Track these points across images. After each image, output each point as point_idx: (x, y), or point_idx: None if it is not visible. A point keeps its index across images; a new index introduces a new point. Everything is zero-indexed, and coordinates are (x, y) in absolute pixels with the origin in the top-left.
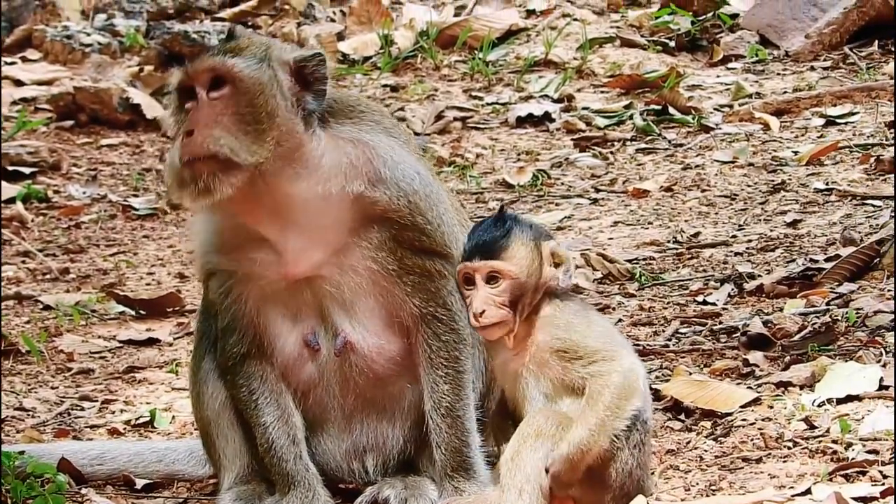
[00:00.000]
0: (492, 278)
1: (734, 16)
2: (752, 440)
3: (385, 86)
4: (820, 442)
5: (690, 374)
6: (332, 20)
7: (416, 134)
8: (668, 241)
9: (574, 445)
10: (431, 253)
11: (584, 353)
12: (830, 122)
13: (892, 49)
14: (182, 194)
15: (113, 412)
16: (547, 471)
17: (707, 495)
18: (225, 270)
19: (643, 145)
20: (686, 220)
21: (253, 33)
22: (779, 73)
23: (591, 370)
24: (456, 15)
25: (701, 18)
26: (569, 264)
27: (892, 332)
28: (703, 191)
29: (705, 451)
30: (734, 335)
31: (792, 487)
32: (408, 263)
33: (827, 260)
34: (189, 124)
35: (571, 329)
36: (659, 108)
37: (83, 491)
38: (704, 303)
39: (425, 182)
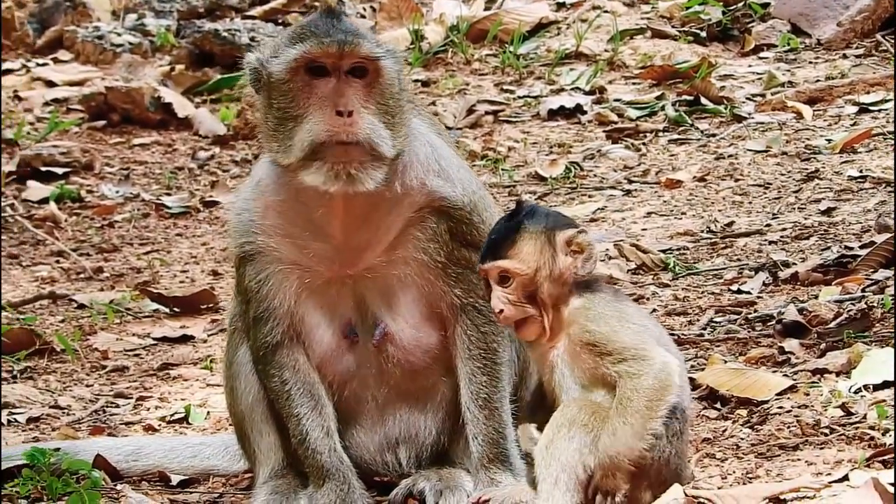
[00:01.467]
0: (503, 278)
1: (765, 5)
2: (788, 427)
3: (416, 81)
4: (857, 428)
5: (726, 362)
6: (363, 16)
7: (448, 128)
8: (702, 231)
9: (602, 452)
10: (478, 246)
11: (613, 348)
12: (863, 109)
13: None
14: (321, 175)
15: (148, 409)
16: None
17: (744, 483)
18: (265, 256)
19: (676, 136)
20: (720, 210)
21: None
22: (811, 62)
23: (620, 369)
24: (486, 9)
25: (732, 8)
26: (590, 251)
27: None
28: (737, 180)
29: (741, 439)
30: (769, 323)
31: (829, 474)
32: (456, 255)
33: (862, 247)
34: (345, 103)
35: (602, 322)
36: (691, 98)
37: (118, 487)
38: (739, 291)
39: (478, 182)
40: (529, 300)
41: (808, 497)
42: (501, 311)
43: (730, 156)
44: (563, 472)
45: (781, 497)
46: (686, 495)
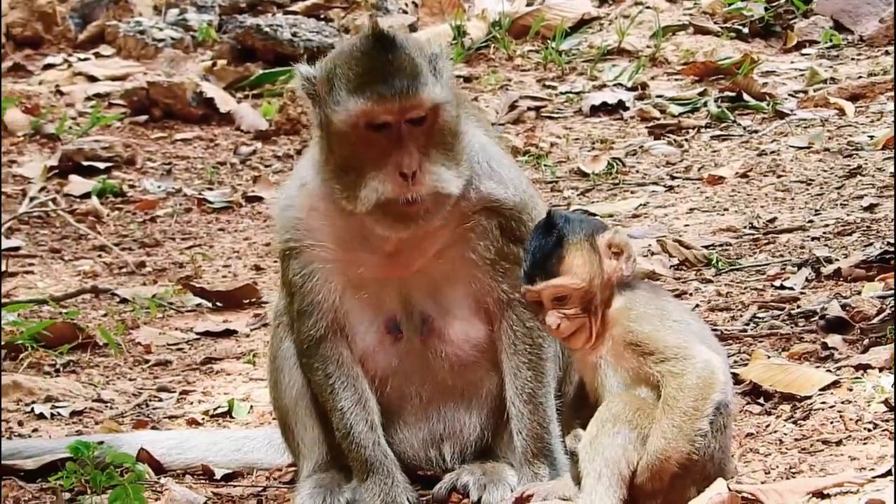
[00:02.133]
0: (557, 296)
1: (808, 1)
2: (831, 423)
3: (458, 76)
4: None
5: (769, 357)
6: (405, 12)
7: (491, 124)
8: (745, 227)
9: (652, 455)
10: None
11: (656, 348)
12: None
13: None
14: (396, 229)
15: (191, 403)
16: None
17: (787, 478)
18: (309, 252)
19: (718, 132)
20: (762, 206)
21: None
22: (853, 58)
23: (663, 368)
24: (528, 5)
25: (774, 4)
26: (629, 250)
27: None
28: (779, 176)
29: (785, 434)
30: (812, 319)
31: (872, 469)
32: (505, 251)
33: None
34: (409, 164)
35: (644, 321)
36: (733, 94)
37: (162, 480)
38: (782, 287)
39: (526, 179)
40: (584, 309)
41: (851, 492)
42: (559, 325)
43: (772, 152)
44: (606, 468)
45: (825, 492)
46: (730, 490)
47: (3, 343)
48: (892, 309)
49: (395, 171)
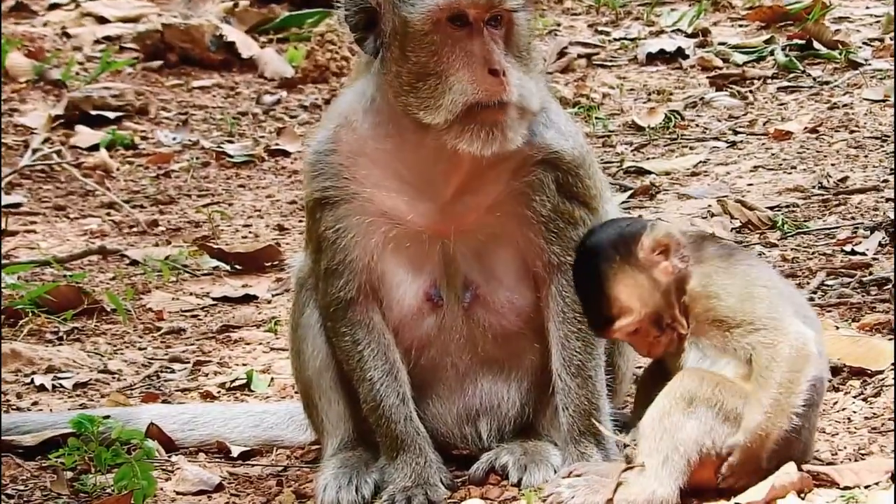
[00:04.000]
0: (629, 330)
1: None
2: None
3: None
4: None
5: (838, 328)
6: None
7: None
8: (813, 187)
9: (751, 432)
10: (582, 202)
11: (743, 319)
12: None
13: None
14: (476, 141)
15: (206, 374)
16: (722, 462)
17: (856, 460)
18: (348, 203)
19: (785, 83)
20: (833, 164)
21: None
22: None
23: (753, 340)
24: None
25: None
26: (673, 241)
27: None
28: (852, 132)
29: (854, 412)
30: (885, 287)
31: None
32: (560, 209)
33: None
34: (498, 61)
35: (726, 295)
36: (803, 42)
37: (173, 458)
38: (853, 252)
39: (582, 133)
40: (659, 325)
41: None
42: (648, 353)
43: (844, 105)
44: (675, 451)
45: None
46: (801, 471)
47: (1, 308)
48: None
49: (483, 68)
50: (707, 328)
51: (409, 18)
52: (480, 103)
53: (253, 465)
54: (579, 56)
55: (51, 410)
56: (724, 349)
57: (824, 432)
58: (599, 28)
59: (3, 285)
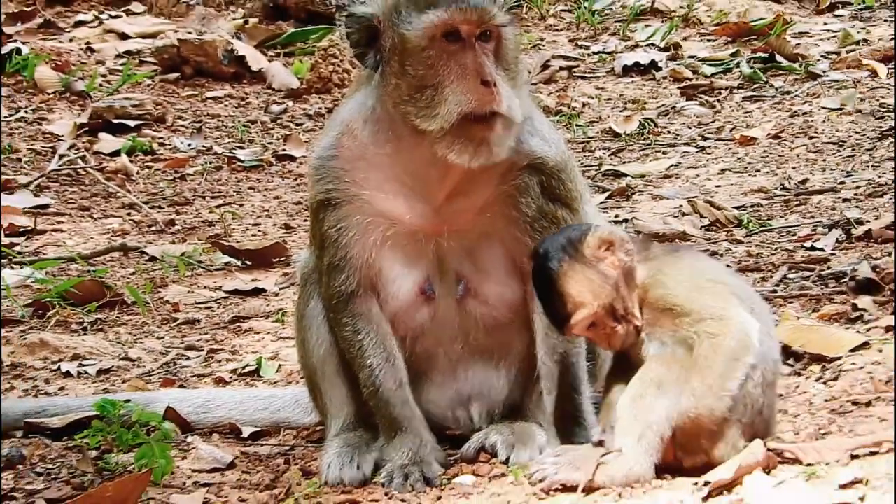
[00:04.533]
0: (587, 324)
1: None
2: (861, 384)
3: None
4: None
5: (799, 318)
6: None
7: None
8: (776, 188)
9: (682, 414)
10: (565, 203)
11: (691, 308)
12: None
13: None
14: (465, 152)
15: (219, 361)
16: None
17: (816, 439)
18: (349, 204)
19: (750, 93)
20: (794, 167)
21: None
22: (886, 20)
23: (699, 329)
24: None
25: None
26: (616, 238)
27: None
28: (811, 138)
29: (814, 395)
30: (843, 280)
31: None
32: (545, 209)
33: None
34: (489, 73)
35: (673, 284)
36: (766, 55)
37: (189, 439)
38: (812, 248)
39: (563, 139)
40: (615, 319)
41: (879, 453)
42: (610, 346)
43: (804, 113)
44: (649, 430)
45: (855, 453)
46: (767, 449)
47: (30, 301)
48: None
49: (476, 80)
50: (660, 317)
51: (408, 35)
52: (473, 113)
53: (262, 445)
54: (561, 68)
55: (76, 395)
56: (676, 338)
57: (787, 413)
58: (579, 43)
59: (31, 280)
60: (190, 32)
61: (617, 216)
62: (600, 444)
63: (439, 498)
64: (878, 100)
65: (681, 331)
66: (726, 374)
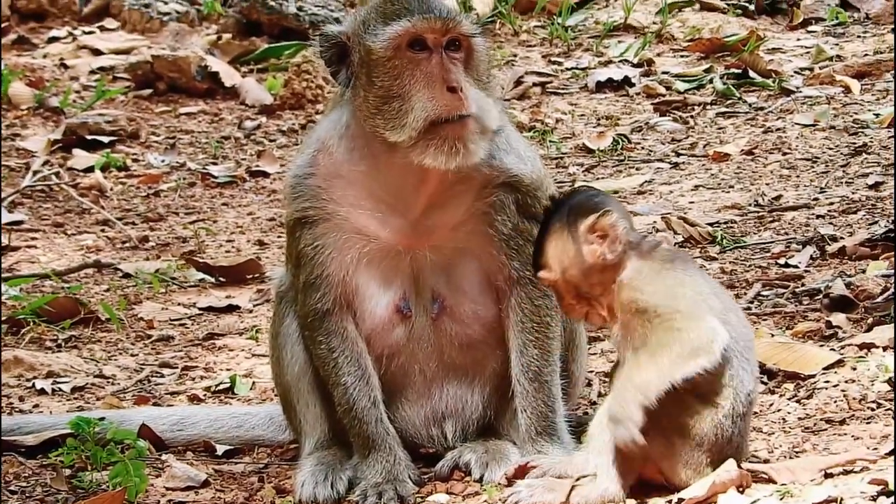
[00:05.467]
0: (551, 286)
1: None
2: (835, 402)
3: None
4: None
5: (773, 336)
6: None
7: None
8: (750, 205)
9: (623, 383)
10: (539, 219)
11: (663, 311)
12: None
13: None
14: (439, 155)
15: (193, 379)
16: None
17: (790, 457)
18: (326, 222)
19: (723, 109)
20: (767, 184)
21: None
22: (859, 36)
23: (667, 326)
24: None
25: None
26: (614, 232)
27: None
28: (785, 154)
29: (788, 413)
30: (816, 297)
31: (875, 449)
32: (520, 227)
33: None
34: (455, 78)
35: (651, 289)
36: (739, 71)
37: (163, 457)
38: (786, 265)
39: (539, 157)
40: (578, 297)
41: (854, 471)
42: (568, 312)
43: (778, 129)
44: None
45: (829, 471)
46: (740, 468)
47: (3, 318)
48: (895, 287)
49: (442, 86)
50: (631, 320)
51: (373, 47)
52: (441, 118)
53: (236, 463)
54: (534, 84)
55: (50, 412)
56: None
57: (761, 431)
58: (553, 59)
59: (5, 297)
60: (163, 48)
61: (613, 199)
62: None
63: None
64: (851, 116)
65: (651, 334)
66: (676, 361)
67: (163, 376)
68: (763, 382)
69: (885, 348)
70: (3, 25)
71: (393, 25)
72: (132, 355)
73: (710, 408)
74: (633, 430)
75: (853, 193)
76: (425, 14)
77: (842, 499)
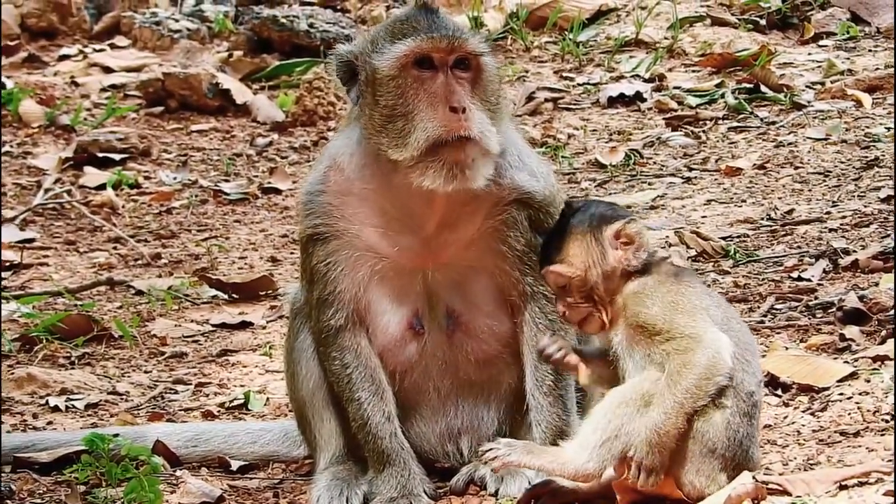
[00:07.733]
0: (559, 282)
1: None
2: (849, 414)
3: None
4: None
5: (787, 349)
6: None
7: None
8: (762, 219)
9: (650, 429)
10: None
11: (664, 328)
12: None
13: None
14: (438, 177)
15: (207, 395)
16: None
17: (805, 470)
18: (338, 239)
19: (735, 123)
20: (779, 198)
21: None
22: (870, 50)
23: (668, 347)
24: None
25: None
26: (640, 240)
27: None
28: (797, 168)
29: (803, 425)
30: (830, 310)
31: (890, 461)
32: (533, 243)
33: None
34: (458, 99)
35: (653, 304)
36: (751, 86)
37: (178, 473)
38: (799, 279)
39: (552, 172)
40: (587, 298)
41: (869, 483)
42: (564, 313)
43: (789, 143)
44: (616, 438)
45: (843, 483)
46: (755, 480)
47: (17, 336)
48: (895, 301)
49: (444, 106)
50: (634, 334)
51: (378, 66)
52: (442, 139)
53: (251, 479)
54: (546, 100)
55: (64, 429)
56: (651, 358)
57: (776, 444)
58: (564, 74)
59: (18, 315)
60: (174, 66)
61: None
62: None
63: None
64: (863, 129)
65: (653, 349)
66: (696, 393)
67: (177, 392)
68: (777, 395)
69: None
70: (13, 43)
71: (399, 44)
72: (146, 372)
73: (716, 409)
74: (660, 476)
75: (865, 207)
76: (431, 33)
77: None
